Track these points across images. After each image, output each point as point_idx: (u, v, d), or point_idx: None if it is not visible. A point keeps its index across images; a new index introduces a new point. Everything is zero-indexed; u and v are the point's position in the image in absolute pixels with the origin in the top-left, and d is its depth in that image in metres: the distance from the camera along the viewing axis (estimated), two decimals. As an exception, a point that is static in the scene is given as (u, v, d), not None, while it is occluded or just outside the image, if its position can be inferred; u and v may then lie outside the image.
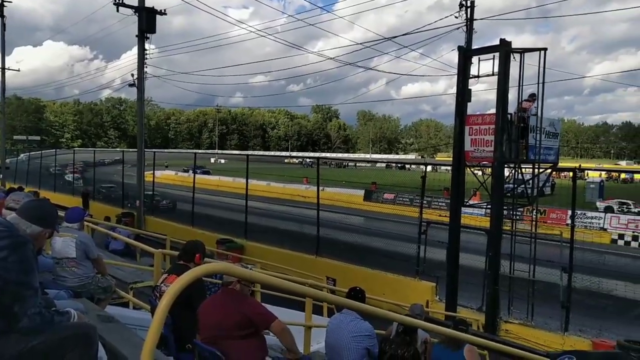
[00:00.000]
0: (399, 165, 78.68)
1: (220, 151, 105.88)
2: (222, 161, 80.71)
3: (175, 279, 4.01)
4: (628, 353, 8.57)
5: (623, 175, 60.69)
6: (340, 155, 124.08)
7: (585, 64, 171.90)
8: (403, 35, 20.79)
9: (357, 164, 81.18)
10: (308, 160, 74.82)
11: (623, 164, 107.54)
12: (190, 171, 50.12)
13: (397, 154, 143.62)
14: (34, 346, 2.22)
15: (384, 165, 79.53)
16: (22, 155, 49.75)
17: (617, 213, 29.99)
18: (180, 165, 52.79)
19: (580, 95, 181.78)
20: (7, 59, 33.56)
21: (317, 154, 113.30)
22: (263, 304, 4.37)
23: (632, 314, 13.43)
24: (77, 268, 4.66)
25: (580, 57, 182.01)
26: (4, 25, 31.44)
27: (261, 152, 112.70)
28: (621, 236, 25.10)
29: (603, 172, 53.67)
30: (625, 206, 32.32)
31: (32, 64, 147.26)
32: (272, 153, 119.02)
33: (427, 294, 12.19)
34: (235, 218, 20.55)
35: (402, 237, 17.16)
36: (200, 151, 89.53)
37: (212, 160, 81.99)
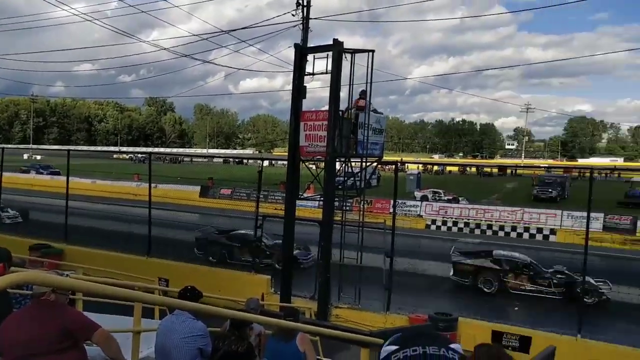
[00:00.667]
0: (237, 160, 78.63)
1: (35, 146, 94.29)
2: (38, 157, 72.25)
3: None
4: (436, 324, 9.80)
5: (436, 168, 68.72)
6: (175, 150, 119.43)
7: (407, 67, 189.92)
8: (242, 29, 20.63)
9: (193, 159, 79.03)
10: (140, 155, 70.66)
11: (436, 157, 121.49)
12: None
13: (235, 149, 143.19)
14: None
15: (221, 160, 78.65)
16: None
17: (430, 201, 33.79)
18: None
19: (403, 95, 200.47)
20: None
21: (149, 149, 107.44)
22: (86, 312, 4.04)
23: (441, 289, 15.33)
24: None
25: (403, 61, 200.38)
26: None
27: (86, 147, 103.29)
28: (433, 221, 28.37)
29: (420, 165, 59.94)
30: (437, 195, 36.58)
31: None
32: (99, 148, 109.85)
33: (262, 287, 12.38)
34: (53, 220, 18.55)
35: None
36: (10, 146, 78.94)
37: (26, 156, 72.92)
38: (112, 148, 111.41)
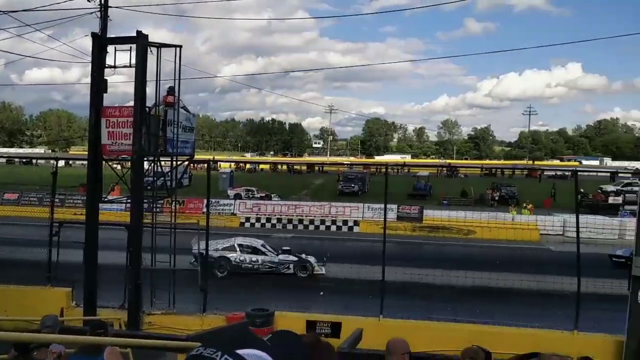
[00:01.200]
0: (24, 160, 69.33)
1: None
2: None
3: None
4: (253, 320, 9.99)
5: (248, 166, 69.89)
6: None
7: (216, 65, 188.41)
8: (24, 10, 18.06)
9: (-35, 160, 67.27)
10: None
11: (248, 155, 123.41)
12: None
13: (22, 147, 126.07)
14: None
15: (3, 160, 68.39)
16: None
17: (244, 199, 34.29)
18: None
19: (213, 93, 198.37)
20: None
21: None
22: None
23: (261, 285, 15.67)
24: None
25: (212, 58, 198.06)
26: None
27: None
28: (247, 219, 28.88)
29: (232, 164, 60.30)
30: (250, 192, 37.26)
31: None
32: None
33: (61, 301, 11.15)
34: None
35: (29, 242, 15.20)
36: None
37: None
38: None
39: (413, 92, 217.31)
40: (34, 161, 65.68)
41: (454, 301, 13.38)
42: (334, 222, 28.02)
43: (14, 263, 13.84)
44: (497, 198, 39.71)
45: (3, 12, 19.19)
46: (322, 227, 27.64)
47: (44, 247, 12.56)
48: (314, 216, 28.59)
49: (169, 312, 11.00)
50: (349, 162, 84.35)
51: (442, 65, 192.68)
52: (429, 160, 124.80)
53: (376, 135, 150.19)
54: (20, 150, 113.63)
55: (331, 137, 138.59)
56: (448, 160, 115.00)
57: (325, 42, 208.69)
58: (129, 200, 11.89)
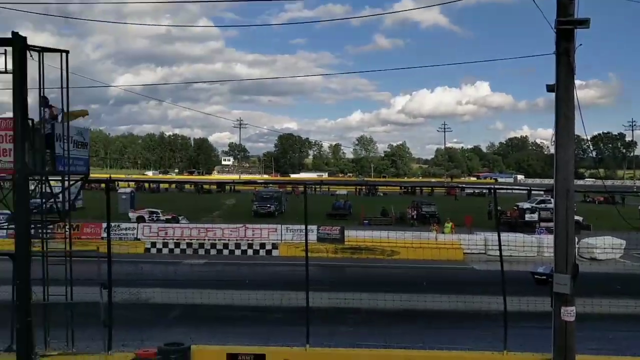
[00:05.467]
0: None
1: None
2: None
3: None
4: (168, 356, 9.57)
5: (150, 185, 67.55)
6: None
7: (110, 73, 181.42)
8: None
9: None
10: None
11: (150, 174, 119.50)
12: None
13: None
14: None
15: None
16: None
17: (148, 222, 33.05)
18: None
19: (107, 104, 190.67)
20: None
21: None
22: None
23: (170, 317, 15.09)
24: None
25: (105, 66, 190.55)
26: None
27: None
28: (153, 244, 27.80)
29: (132, 183, 58.01)
30: (154, 215, 36.00)
31: None
32: None
33: None
34: None
35: None
36: None
37: None
38: None
39: (326, 107, 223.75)
40: None
41: (383, 326, 13.65)
42: (250, 245, 27.70)
43: None
44: (416, 217, 41.28)
45: None
46: (238, 252, 27.22)
47: None
48: (228, 240, 28.10)
49: (66, 352, 10.29)
50: (263, 181, 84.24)
51: (355, 80, 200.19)
52: (346, 178, 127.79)
53: (290, 152, 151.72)
54: None
55: (242, 153, 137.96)
56: (366, 178, 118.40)
57: (232, 53, 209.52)
58: (11, 225, 11.09)
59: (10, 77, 9.79)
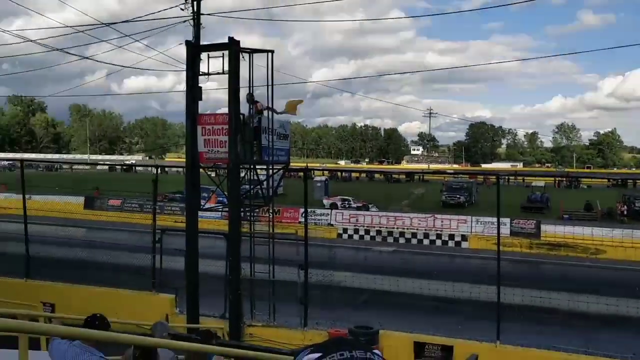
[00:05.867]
0: (124, 167, 75.18)
1: None
2: None
3: None
4: (357, 338, 10.00)
5: (343, 174, 70.53)
6: (52, 156, 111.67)
7: (308, 69, 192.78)
8: (123, 22, 19.81)
9: (73, 167, 74.27)
10: (5, 162, 65.21)
11: (342, 163, 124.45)
12: None
13: (121, 154, 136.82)
14: None
15: (106, 167, 74.71)
16: None
17: (340, 209, 34.58)
18: None
19: (304, 98, 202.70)
20: None
21: (19, 155, 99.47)
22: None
23: (360, 300, 15.70)
24: None
25: (303, 62, 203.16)
26: None
27: None
28: (345, 230, 29.04)
29: (326, 171, 61.11)
30: (346, 202, 37.51)
31: None
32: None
33: (165, 307, 11.92)
34: None
35: (133, 247, 16.42)
36: None
37: None
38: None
39: (522, 93, 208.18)
40: (132, 167, 71.14)
41: (584, 330, 12.48)
42: (438, 236, 27.37)
43: (121, 267, 14.98)
44: (626, 213, 36.76)
45: (104, 24, 21.01)
46: (426, 242, 27.08)
47: (147, 252, 13.55)
48: (417, 229, 28.12)
49: (269, 324, 11.35)
50: (453, 171, 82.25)
51: (555, 63, 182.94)
52: (544, 169, 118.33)
53: (481, 141, 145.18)
54: (121, 157, 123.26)
55: (431, 143, 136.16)
56: (567, 169, 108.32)
57: (423, 42, 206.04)
58: (226, 209, 12.41)
59: (225, 77, 11.06)
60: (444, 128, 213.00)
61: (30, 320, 6.30)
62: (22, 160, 17.50)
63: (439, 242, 27.03)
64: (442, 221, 28.57)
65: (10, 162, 59.96)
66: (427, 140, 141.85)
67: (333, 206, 35.81)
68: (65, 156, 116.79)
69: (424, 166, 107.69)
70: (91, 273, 14.13)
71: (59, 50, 17.68)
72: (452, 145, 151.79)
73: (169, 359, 5.12)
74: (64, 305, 11.41)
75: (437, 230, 27.84)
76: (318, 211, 31.39)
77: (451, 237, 27.09)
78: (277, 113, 11.78)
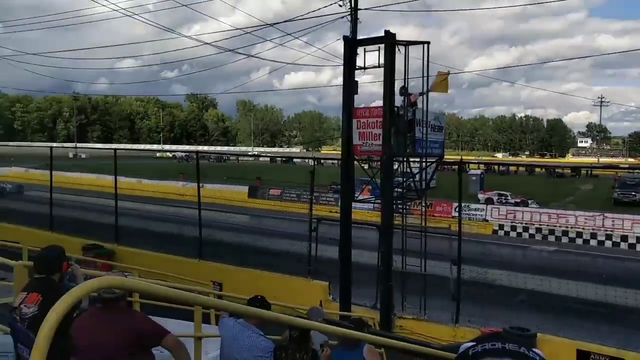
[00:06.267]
0: (284, 159, 79.50)
1: (81, 145, 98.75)
2: (83, 156, 75.54)
3: (38, 297, 3.71)
4: (512, 339, 9.49)
5: (500, 167, 67.11)
6: (221, 148, 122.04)
7: (464, 58, 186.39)
8: (285, 21, 20.88)
9: (239, 158, 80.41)
10: (183, 154, 72.60)
11: (499, 156, 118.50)
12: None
13: (281, 146, 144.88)
14: None
15: (267, 159, 79.70)
16: None
17: (496, 204, 33.01)
18: (30, 160, 48.33)
19: (460, 88, 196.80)
20: None
21: (194, 147, 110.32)
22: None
23: (515, 301, 14.89)
24: None
25: (460, 52, 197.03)
26: None
27: (130, 146, 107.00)
28: (501, 227, 27.67)
29: (482, 165, 58.64)
30: (503, 197, 35.69)
31: None
32: (142, 146, 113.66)
33: (320, 294, 12.43)
34: (102, 220, 19.31)
35: (291, 235, 17.37)
36: (56, 145, 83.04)
37: (71, 154, 76.37)
38: (154, 146, 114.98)
39: None
40: (291, 159, 74.97)
41: None
42: (609, 236, 24.81)
43: (279, 254, 15.94)
44: None
45: (268, 24, 22.28)
46: (593, 242, 24.76)
47: (303, 240, 14.23)
48: (583, 228, 25.81)
49: (419, 318, 11.29)
50: (627, 165, 73.94)
51: None
52: None
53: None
54: (281, 150, 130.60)
55: (602, 134, 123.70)
56: None
57: (595, 23, 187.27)
58: (378, 201, 12.55)
59: (379, 70, 11.17)
60: (617, 118, 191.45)
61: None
62: (197, 152, 19.35)
63: (608, 244, 24.52)
64: (613, 221, 25.80)
65: (187, 154, 66.84)
66: (597, 132, 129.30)
67: (488, 201, 34.31)
68: (232, 148, 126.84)
69: (592, 160, 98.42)
70: (253, 257, 15.25)
71: (229, 51, 19.26)
72: (627, 137, 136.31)
73: (321, 342, 5.35)
74: (230, 285, 12.49)
75: (606, 231, 25.26)
76: (472, 206, 30.30)
77: (624, 238, 24.40)
78: (426, 93, 11.53)
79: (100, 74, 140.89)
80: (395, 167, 11.81)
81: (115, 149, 18.72)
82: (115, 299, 3.50)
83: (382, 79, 11.02)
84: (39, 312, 3.61)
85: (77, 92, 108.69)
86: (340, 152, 12.46)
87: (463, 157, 33.73)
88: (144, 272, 11.78)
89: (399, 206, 12.31)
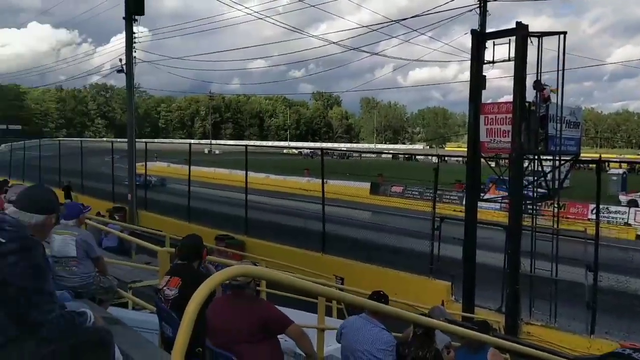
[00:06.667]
0: (406, 156, 78.76)
1: (215, 141, 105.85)
2: (217, 152, 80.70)
3: (178, 281, 4.05)
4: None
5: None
6: (344, 145, 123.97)
7: (606, 48, 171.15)
8: (412, 17, 20.71)
9: (362, 155, 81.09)
10: (308, 150, 74.83)
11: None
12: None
13: (404, 143, 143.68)
14: (54, 351, 2.21)
15: (390, 156, 79.49)
16: (2, 145, 49.38)
17: (641, 207, 29.99)
18: (171, 156, 52.63)
19: (600, 81, 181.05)
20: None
21: (318, 144, 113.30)
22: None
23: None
24: (78, 267, 4.67)
25: (601, 41, 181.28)
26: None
27: (259, 143, 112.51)
28: (646, 231, 25.08)
29: (624, 164, 53.54)
30: (650, 199, 32.36)
31: (16, 48, 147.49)
32: (270, 143, 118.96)
33: (442, 293, 12.21)
34: (233, 212, 20.52)
35: (413, 233, 17.19)
36: (194, 141, 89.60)
37: (206, 150, 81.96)
38: (282, 143, 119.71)
39: None
40: (413, 156, 74.17)
41: None
42: None
43: (401, 251, 15.86)
44: None
45: (394, 21, 22.17)
46: None
47: (425, 239, 14.04)
48: None
49: (549, 325, 10.68)
50: None
51: None
52: None
53: None
54: (403, 147, 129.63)
55: None
56: None
57: None
58: (506, 200, 12.03)
59: (509, 64, 10.70)
60: None
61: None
62: (322, 149, 19.90)
63: None
64: None
65: (312, 150, 68.82)
66: None
67: (631, 203, 31.25)
68: (355, 145, 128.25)
69: None
70: (374, 253, 15.32)
71: (354, 49, 19.49)
72: None
73: (444, 344, 5.25)
74: (352, 280, 12.68)
75: None
76: (612, 208, 27.79)
77: None
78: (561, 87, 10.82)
79: (233, 74, 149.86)
80: (526, 165, 11.31)
81: (245, 146, 19.83)
82: (242, 286, 3.73)
83: (511, 73, 10.60)
84: (178, 295, 3.94)
85: (212, 92, 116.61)
86: (465, 149, 12.13)
87: (602, 155, 31.11)
88: (270, 263, 12.39)
89: (529, 206, 11.72)
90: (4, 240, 2.17)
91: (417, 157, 73.84)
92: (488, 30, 11.49)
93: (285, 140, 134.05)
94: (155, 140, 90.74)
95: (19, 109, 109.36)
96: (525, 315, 11.01)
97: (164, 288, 4.18)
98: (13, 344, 2.14)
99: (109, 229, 9.74)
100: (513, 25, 10.63)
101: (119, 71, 20.99)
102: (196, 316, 1.76)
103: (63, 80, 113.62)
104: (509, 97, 10.93)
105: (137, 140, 21.96)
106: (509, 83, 10.74)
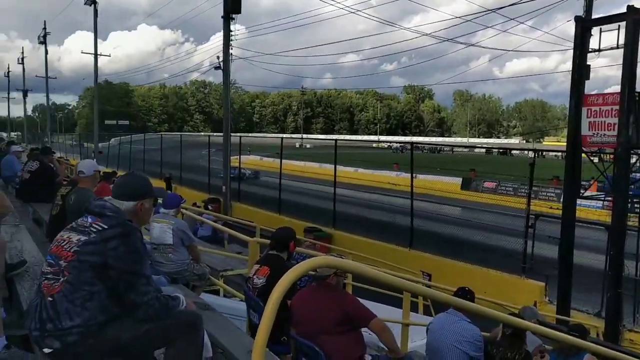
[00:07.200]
0: (501, 150, 75.74)
1: (306, 135, 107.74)
2: (308, 146, 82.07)
3: (267, 270, 4.18)
4: None
5: None
6: (435, 139, 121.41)
7: None
8: (510, 5, 19.63)
9: (454, 149, 79.06)
10: (398, 145, 74.07)
11: None
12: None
13: (498, 137, 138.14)
14: (148, 330, 2.39)
15: (483, 150, 76.85)
16: (112, 139, 53.53)
17: None
18: (263, 150, 54.06)
19: None
20: (103, 44, 36.29)
21: (408, 138, 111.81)
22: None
23: None
24: (174, 254, 4.97)
25: None
26: (96, 11, 33.94)
27: (349, 137, 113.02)
28: None
29: None
30: None
31: (126, 49, 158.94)
32: (360, 137, 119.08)
33: (535, 294, 11.68)
34: (322, 205, 20.79)
35: (505, 230, 16.53)
36: (286, 136, 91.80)
37: (297, 145, 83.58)
38: (372, 137, 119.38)
39: None
40: (508, 151, 71.13)
41: None
42: None
43: (492, 249, 15.34)
44: None
45: (491, 10, 21.35)
46: None
47: (518, 237, 13.46)
48: None
49: (656, 333, 9.89)
50: None
51: None
52: None
53: None
54: (498, 141, 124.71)
55: None
56: None
57: None
58: (609, 198, 11.28)
59: (618, 52, 9.97)
60: None
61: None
62: (412, 143, 19.63)
63: None
64: None
65: (402, 144, 68.06)
66: None
67: None
68: (447, 139, 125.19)
69: None
70: (464, 250, 14.93)
71: (448, 40, 18.99)
72: None
73: (535, 346, 5.02)
74: (440, 276, 12.43)
75: None
76: None
77: None
78: None
79: (325, 69, 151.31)
80: (633, 160, 10.50)
81: (335, 140, 20.01)
82: (326, 278, 3.79)
83: (619, 62, 9.86)
84: (266, 283, 4.08)
85: (304, 87, 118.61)
86: (564, 144, 11.48)
87: None
88: (356, 256, 12.43)
89: (635, 205, 10.90)
90: (106, 227, 2.37)
91: (513, 151, 70.82)
92: (594, 16, 10.77)
93: (375, 134, 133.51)
94: (249, 134, 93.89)
95: (127, 106, 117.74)
96: (628, 321, 10.28)
97: (253, 277, 4.35)
98: (114, 322, 2.34)
99: (204, 219, 10.24)
100: (623, 10, 9.89)
101: (217, 68, 21.92)
102: (279, 304, 1.81)
103: (166, 77, 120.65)
104: (617, 88, 10.19)
105: (231, 134, 22.83)
106: (617, 72, 10.01)
